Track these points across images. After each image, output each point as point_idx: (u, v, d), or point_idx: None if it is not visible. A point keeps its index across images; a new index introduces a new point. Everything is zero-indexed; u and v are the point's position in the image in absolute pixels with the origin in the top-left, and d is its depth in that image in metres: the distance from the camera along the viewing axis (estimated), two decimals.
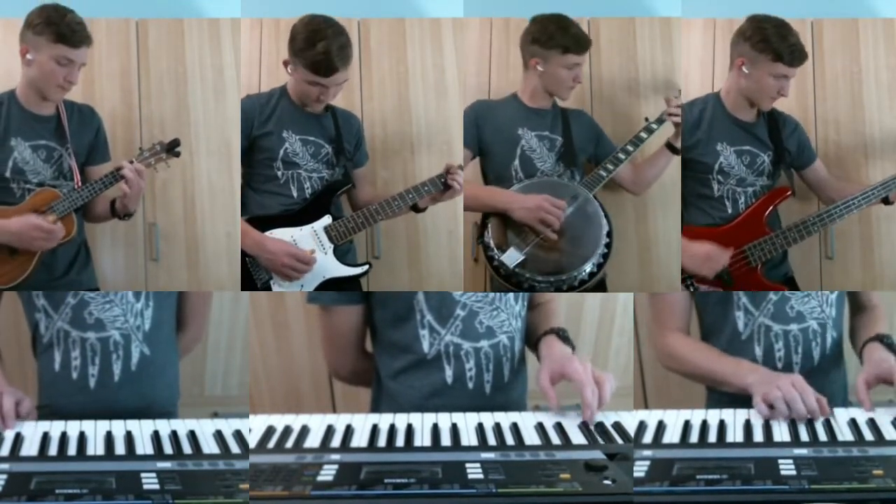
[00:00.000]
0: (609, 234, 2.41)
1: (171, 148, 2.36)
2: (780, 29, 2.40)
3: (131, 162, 2.32)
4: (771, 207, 2.48)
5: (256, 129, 2.40)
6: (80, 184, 2.34)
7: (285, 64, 2.38)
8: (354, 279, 2.46)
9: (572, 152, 2.52)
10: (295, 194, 2.43)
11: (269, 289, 2.39)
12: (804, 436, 1.86)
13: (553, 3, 2.51)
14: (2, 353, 2.23)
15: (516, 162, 2.50)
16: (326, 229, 2.40)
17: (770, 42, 2.38)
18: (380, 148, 2.71)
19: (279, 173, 2.42)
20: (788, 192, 2.50)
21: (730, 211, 2.48)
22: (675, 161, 2.54)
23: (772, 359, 2.22)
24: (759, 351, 2.22)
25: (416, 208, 2.47)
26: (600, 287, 2.51)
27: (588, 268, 2.39)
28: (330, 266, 2.40)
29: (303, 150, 2.42)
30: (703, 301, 2.32)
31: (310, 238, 2.40)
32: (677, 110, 2.47)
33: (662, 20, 2.70)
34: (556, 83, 2.50)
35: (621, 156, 2.47)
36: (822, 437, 1.85)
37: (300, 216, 2.41)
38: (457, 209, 2.61)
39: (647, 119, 2.51)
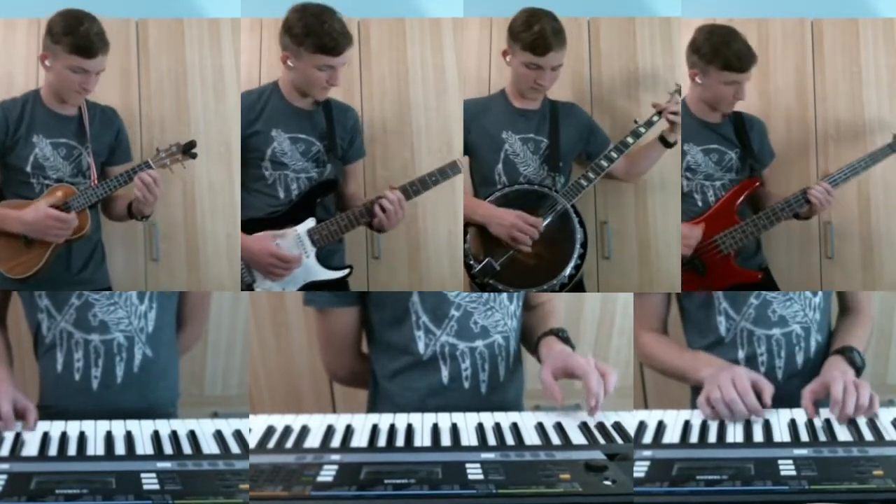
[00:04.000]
0: (584, 245, 2.43)
1: (188, 149, 2.40)
2: (725, 37, 2.43)
3: (147, 163, 2.35)
4: (741, 198, 2.51)
5: (245, 128, 2.41)
6: (96, 181, 2.39)
7: (284, 59, 2.36)
8: (338, 282, 2.43)
9: (557, 154, 2.51)
10: (282, 195, 2.42)
11: (252, 290, 2.40)
12: (804, 436, 1.86)
13: (553, 3, 2.51)
14: (12, 352, 2.23)
15: (500, 166, 2.50)
16: (309, 233, 2.39)
17: (717, 52, 2.42)
18: (380, 148, 2.70)
19: (267, 173, 2.42)
20: (757, 183, 2.54)
21: (700, 205, 2.51)
22: (675, 162, 2.55)
23: (755, 363, 2.23)
24: (741, 355, 2.24)
25: (371, 226, 2.41)
26: (578, 288, 2.51)
27: (562, 278, 2.40)
28: (311, 269, 2.39)
29: (291, 149, 2.41)
30: (687, 303, 2.34)
31: (293, 241, 2.38)
32: (677, 107, 2.47)
33: (662, 20, 2.70)
34: (520, 81, 2.48)
35: (604, 163, 2.47)
36: (822, 437, 1.85)
37: (284, 219, 2.40)
38: (457, 209, 2.61)
39: (636, 122, 2.50)
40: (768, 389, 1.99)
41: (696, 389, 2.22)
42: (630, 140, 2.48)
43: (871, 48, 2.70)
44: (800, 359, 2.25)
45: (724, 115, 2.54)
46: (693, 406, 2.16)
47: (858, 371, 2.09)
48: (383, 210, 2.34)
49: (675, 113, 2.47)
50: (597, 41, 2.71)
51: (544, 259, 2.41)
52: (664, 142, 2.53)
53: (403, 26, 2.71)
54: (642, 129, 2.48)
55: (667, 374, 2.28)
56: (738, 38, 2.44)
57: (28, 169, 2.37)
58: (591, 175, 2.46)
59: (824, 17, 2.70)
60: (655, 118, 2.48)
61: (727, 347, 2.24)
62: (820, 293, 2.31)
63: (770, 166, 2.62)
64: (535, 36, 2.39)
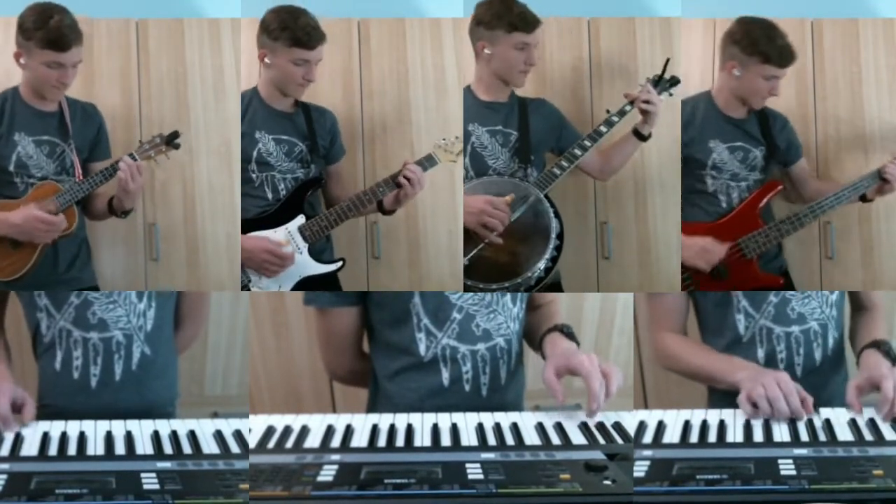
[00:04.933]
0: (560, 236, 2.36)
1: (171, 140, 2.38)
2: (768, 31, 2.43)
3: (131, 155, 2.33)
4: (764, 201, 2.50)
5: None
6: (81, 178, 2.37)
7: (261, 57, 2.39)
8: (331, 276, 2.45)
9: (528, 147, 2.48)
10: (270, 196, 2.43)
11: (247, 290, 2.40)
12: (804, 436, 1.86)
13: (553, 2, 2.51)
14: (10, 351, 2.23)
15: (466, 160, 2.47)
16: (300, 229, 2.39)
17: (759, 45, 2.41)
18: (379, 148, 2.71)
19: (253, 175, 2.42)
20: (780, 186, 2.53)
21: (724, 205, 2.50)
22: (675, 161, 2.55)
23: (774, 361, 2.22)
24: (761, 353, 2.23)
25: (382, 210, 2.44)
26: (555, 286, 2.47)
27: (536, 272, 2.33)
28: (305, 265, 2.40)
29: (276, 150, 2.43)
30: (703, 302, 2.32)
31: (285, 239, 2.39)
32: (649, 95, 2.45)
33: (662, 20, 2.70)
34: (506, 67, 2.45)
35: (577, 151, 2.43)
36: (822, 437, 1.85)
37: (274, 218, 2.40)
38: (457, 209, 2.61)
39: (608, 111, 2.48)
40: (809, 399, 1.96)
41: (714, 391, 2.22)
42: (603, 129, 2.45)
43: (871, 48, 2.71)
44: (818, 355, 2.24)
45: (750, 111, 2.52)
46: (709, 406, 2.16)
47: (894, 363, 2.09)
48: (408, 179, 2.35)
49: (647, 102, 2.44)
50: (597, 41, 2.71)
51: (516, 254, 2.34)
52: (638, 134, 2.50)
53: (403, 26, 2.71)
54: (615, 118, 2.46)
55: (691, 375, 2.24)
56: (781, 34, 2.43)
57: (11, 168, 2.35)
58: (564, 164, 2.41)
59: (824, 17, 2.70)
60: (628, 107, 2.46)
61: (746, 346, 2.23)
62: (836, 291, 2.31)
63: (797, 163, 2.60)
64: (521, 16, 2.39)
